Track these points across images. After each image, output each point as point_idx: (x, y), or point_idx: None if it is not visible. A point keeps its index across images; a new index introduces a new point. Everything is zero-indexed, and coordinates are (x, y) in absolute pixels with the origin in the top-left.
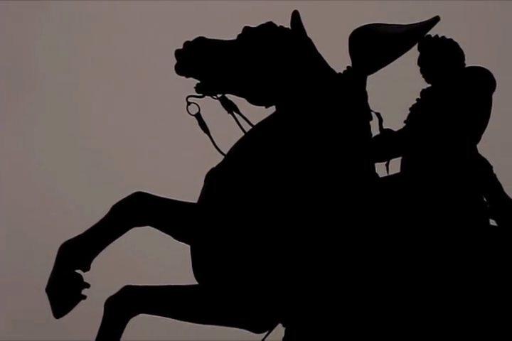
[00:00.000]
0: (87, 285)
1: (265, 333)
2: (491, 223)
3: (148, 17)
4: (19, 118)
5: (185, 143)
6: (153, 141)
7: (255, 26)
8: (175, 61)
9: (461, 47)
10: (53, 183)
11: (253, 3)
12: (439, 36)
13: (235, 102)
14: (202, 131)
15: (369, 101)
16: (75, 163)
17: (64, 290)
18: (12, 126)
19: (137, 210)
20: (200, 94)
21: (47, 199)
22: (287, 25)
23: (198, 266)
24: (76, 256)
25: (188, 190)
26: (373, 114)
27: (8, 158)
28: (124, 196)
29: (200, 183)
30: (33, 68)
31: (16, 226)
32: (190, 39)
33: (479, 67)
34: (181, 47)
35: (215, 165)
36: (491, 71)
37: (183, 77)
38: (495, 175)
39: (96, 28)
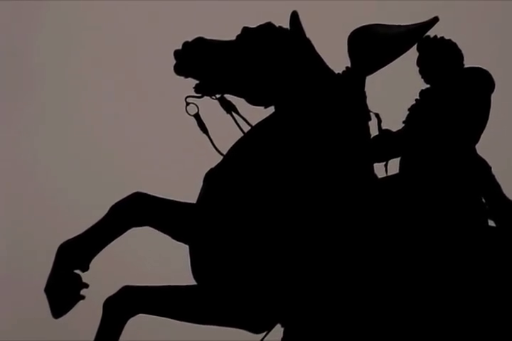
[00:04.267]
0: (86, 286)
1: (264, 333)
2: (490, 224)
3: (147, 16)
4: (19, 117)
5: (184, 143)
6: (152, 141)
7: (254, 27)
8: (174, 61)
9: (459, 47)
10: (52, 183)
11: (252, 3)
12: (438, 37)
13: (234, 102)
14: (201, 132)
15: (368, 101)
16: (75, 163)
17: (63, 291)
18: (11, 126)
19: (136, 210)
20: (199, 95)
21: (46, 199)
22: (286, 25)
23: (197, 266)
24: (75, 256)
25: (186, 190)
26: (372, 115)
27: (7, 157)
28: (123, 196)
29: (198, 183)
30: (32, 68)
31: (16, 227)
32: (190, 39)
33: (478, 68)
34: (180, 47)
35: (213, 166)
36: (491, 71)
37: (182, 77)
38: (494, 176)
39: (95, 28)
